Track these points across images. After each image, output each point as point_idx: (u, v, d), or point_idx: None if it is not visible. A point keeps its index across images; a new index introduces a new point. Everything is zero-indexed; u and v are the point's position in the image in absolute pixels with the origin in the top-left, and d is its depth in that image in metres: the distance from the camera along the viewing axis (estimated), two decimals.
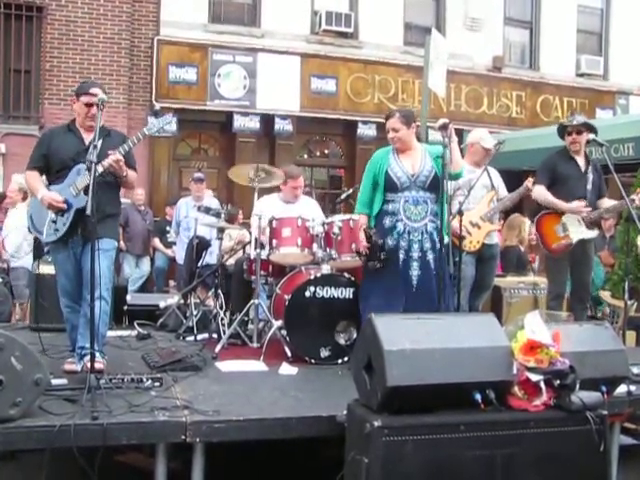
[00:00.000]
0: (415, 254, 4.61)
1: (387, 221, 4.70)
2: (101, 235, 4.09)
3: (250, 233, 5.92)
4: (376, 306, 4.40)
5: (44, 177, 4.49)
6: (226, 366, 4.67)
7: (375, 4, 13.60)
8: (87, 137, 4.35)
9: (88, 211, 3.67)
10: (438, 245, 4.64)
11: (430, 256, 4.63)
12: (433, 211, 4.69)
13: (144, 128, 4.49)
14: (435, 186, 4.68)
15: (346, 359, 4.90)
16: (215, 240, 6.55)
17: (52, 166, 4.42)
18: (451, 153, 4.63)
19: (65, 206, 4.25)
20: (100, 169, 4.11)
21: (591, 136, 5.57)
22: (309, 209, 6.03)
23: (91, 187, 3.75)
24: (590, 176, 5.73)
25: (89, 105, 4.35)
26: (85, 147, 4.24)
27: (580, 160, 5.76)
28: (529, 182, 5.72)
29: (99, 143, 4.12)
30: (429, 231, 4.64)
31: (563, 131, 5.83)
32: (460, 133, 12.82)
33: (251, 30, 13.10)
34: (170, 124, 4.62)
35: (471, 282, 5.65)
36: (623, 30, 15.59)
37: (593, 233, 5.71)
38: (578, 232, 5.61)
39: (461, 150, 5.09)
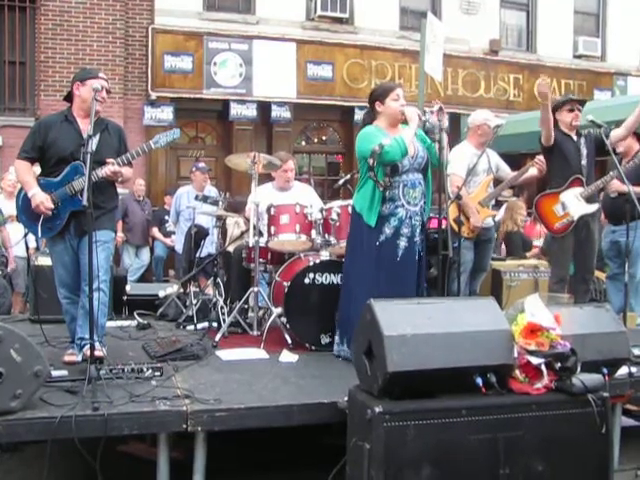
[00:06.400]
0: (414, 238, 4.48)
1: (384, 208, 4.39)
2: (98, 227, 4.06)
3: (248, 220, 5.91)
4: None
5: (38, 168, 4.40)
6: (226, 354, 4.66)
7: None
8: (85, 128, 4.17)
9: (84, 202, 3.64)
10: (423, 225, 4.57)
11: (417, 238, 4.49)
12: (424, 193, 4.53)
13: (150, 141, 4.44)
14: (426, 167, 4.56)
15: None
16: (214, 229, 6.53)
17: (48, 159, 4.30)
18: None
19: (50, 213, 4.19)
20: (96, 176, 4.07)
21: (589, 117, 5.50)
22: (304, 195, 6.00)
23: (87, 178, 3.72)
24: (584, 151, 5.60)
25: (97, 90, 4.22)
26: (83, 141, 4.04)
27: (574, 137, 5.63)
28: (531, 164, 5.67)
29: (97, 137, 4.08)
30: (420, 213, 4.49)
31: (561, 106, 5.65)
32: (458, 117, 12.82)
33: (246, 17, 13.04)
34: (175, 135, 4.55)
35: (470, 266, 5.64)
36: (620, 11, 15.52)
37: (593, 207, 5.56)
38: (578, 208, 5.51)
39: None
